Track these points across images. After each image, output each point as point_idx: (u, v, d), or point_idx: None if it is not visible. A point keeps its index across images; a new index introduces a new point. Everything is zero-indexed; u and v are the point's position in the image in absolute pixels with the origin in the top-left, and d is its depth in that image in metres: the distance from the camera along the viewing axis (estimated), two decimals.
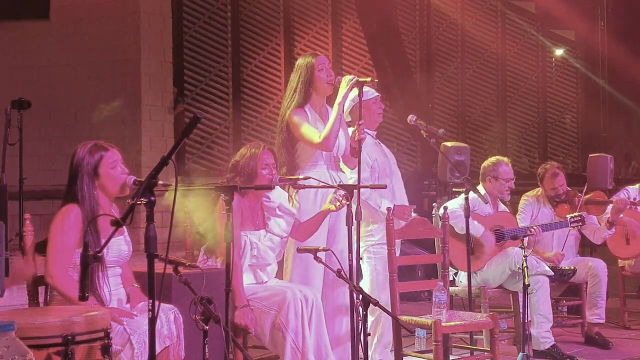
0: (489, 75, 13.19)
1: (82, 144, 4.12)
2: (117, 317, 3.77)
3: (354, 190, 4.71)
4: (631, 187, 7.21)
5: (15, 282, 3.71)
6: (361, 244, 5.05)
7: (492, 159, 6.38)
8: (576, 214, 6.33)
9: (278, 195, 4.91)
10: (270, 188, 4.73)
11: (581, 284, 6.62)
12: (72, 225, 3.93)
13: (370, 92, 5.59)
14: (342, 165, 5.40)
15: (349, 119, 5.61)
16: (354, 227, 4.59)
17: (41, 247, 4.12)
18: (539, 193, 6.79)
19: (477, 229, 5.93)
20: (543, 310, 5.92)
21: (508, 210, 6.36)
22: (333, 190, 4.88)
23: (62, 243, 3.91)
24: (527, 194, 6.85)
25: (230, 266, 3.92)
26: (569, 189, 6.76)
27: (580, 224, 6.32)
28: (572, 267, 6.37)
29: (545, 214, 6.67)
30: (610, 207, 6.76)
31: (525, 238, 5.48)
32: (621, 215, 6.83)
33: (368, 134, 5.57)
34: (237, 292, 4.47)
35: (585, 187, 6.72)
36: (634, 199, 7.03)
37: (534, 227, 6.13)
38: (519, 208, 6.79)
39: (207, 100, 10.08)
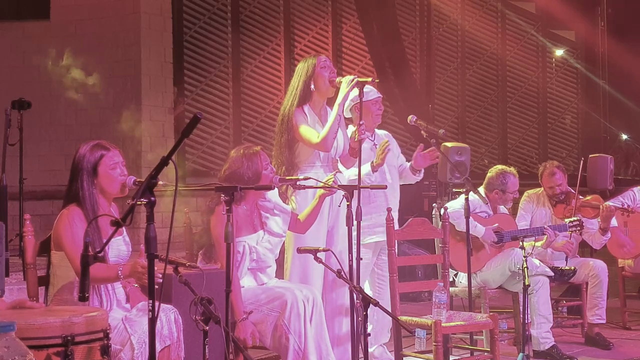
0: (489, 75, 13.18)
1: (85, 142, 4.13)
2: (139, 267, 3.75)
3: (354, 190, 4.71)
4: (637, 188, 7.20)
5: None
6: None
7: (498, 169, 6.29)
8: (574, 218, 6.32)
9: (272, 194, 4.90)
10: (270, 188, 4.72)
11: (581, 284, 6.62)
12: (78, 225, 3.93)
13: (371, 93, 5.58)
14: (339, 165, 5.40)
15: (349, 115, 5.62)
16: (353, 228, 4.58)
17: (45, 247, 4.12)
18: (540, 192, 6.79)
19: (478, 230, 5.92)
20: (543, 311, 5.91)
21: (507, 212, 6.35)
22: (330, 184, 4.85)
23: (77, 241, 3.89)
24: (528, 192, 6.84)
25: (231, 266, 3.91)
26: (570, 190, 6.73)
27: (579, 228, 6.31)
28: (573, 268, 6.36)
29: (542, 213, 6.67)
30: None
31: (525, 239, 5.47)
32: (614, 222, 6.80)
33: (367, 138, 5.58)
34: (234, 305, 4.41)
35: (577, 187, 6.67)
36: None
37: (549, 229, 6.12)
38: (519, 206, 6.79)
39: (207, 100, 10.07)
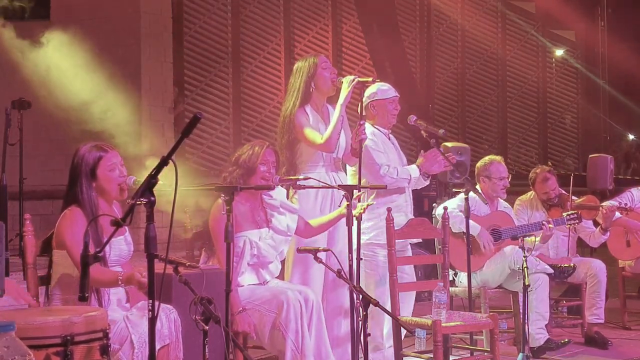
0: (489, 76, 13.19)
1: (84, 144, 4.13)
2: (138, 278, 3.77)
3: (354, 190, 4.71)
4: (635, 189, 7.20)
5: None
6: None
7: (485, 158, 6.37)
8: (572, 211, 6.32)
9: (278, 192, 4.91)
10: (270, 188, 4.73)
11: (581, 284, 6.62)
12: (80, 224, 3.92)
13: (389, 91, 5.63)
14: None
15: (364, 113, 5.66)
16: (354, 228, 4.58)
17: (46, 245, 4.11)
18: (532, 197, 6.79)
19: (473, 227, 5.92)
20: (540, 309, 5.92)
21: (509, 208, 6.35)
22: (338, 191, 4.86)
23: (79, 240, 3.88)
24: (520, 197, 6.85)
25: (231, 266, 3.91)
26: (562, 192, 6.75)
27: (577, 221, 6.32)
28: (572, 265, 6.38)
29: (537, 217, 6.66)
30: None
31: (525, 238, 5.47)
32: (617, 214, 6.80)
33: (380, 131, 5.60)
34: (231, 298, 4.42)
35: (571, 188, 6.67)
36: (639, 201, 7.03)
37: (546, 223, 6.12)
38: (513, 212, 6.78)
39: (207, 100, 10.08)
